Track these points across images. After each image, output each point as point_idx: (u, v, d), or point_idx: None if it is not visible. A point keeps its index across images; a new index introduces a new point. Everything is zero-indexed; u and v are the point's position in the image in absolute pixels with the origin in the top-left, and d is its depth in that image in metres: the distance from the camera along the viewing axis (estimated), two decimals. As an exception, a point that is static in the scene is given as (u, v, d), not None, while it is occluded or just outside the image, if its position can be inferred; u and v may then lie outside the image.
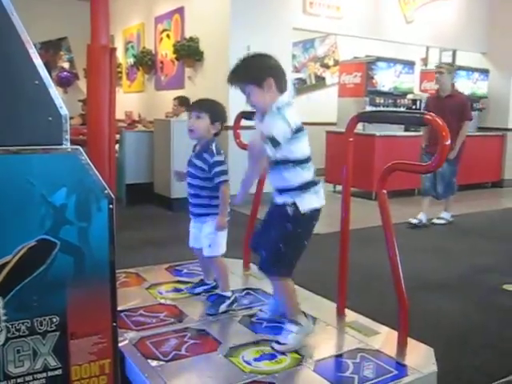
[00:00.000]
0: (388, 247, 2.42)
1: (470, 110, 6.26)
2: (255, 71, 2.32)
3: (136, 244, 4.72)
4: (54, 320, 1.73)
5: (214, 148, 2.84)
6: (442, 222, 6.26)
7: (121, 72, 10.36)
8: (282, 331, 2.43)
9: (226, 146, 6.72)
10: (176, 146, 6.65)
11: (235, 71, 2.35)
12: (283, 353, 2.30)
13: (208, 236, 2.80)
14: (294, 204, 2.31)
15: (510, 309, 3.59)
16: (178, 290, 3.07)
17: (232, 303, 2.80)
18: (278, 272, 2.39)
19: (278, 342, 2.36)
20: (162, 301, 2.90)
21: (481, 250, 5.14)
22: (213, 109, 2.88)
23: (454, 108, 5.77)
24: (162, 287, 3.11)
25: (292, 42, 7.85)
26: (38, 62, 1.69)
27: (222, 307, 2.75)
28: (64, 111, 1.74)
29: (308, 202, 2.33)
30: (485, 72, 9.65)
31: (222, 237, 2.81)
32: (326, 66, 11.03)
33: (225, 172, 2.77)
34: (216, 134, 2.88)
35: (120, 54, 10.09)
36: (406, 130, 8.25)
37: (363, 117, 2.74)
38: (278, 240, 2.34)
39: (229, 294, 2.82)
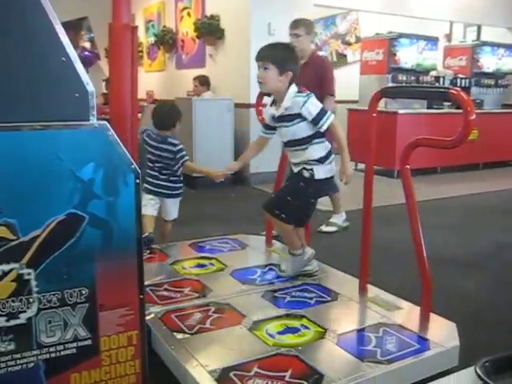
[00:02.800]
0: (411, 223, 2.43)
1: (332, 81, 4.43)
2: (284, 59, 2.78)
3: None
4: (84, 292, 1.77)
5: None
6: (334, 229, 4.62)
7: (142, 51, 10.36)
8: (304, 305, 2.49)
9: (248, 123, 6.74)
10: (198, 124, 6.68)
11: (269, 48, 2.80)
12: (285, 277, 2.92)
13: None
14: (312, 170, 2.79)
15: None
16: (201, 266, 3.12)
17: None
18: (278, 215, 2.83)
19: (280, 270, 2.98)
20: (187, 276, 2.95)
21: (505, 228, 5.10)
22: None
23: (311, 79, 4.07)
24: (185, 263, 3.16)
25: (313, 18, 7.77)
26: (64, 39, 1.71)
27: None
28: (91, 88, 1.76)
29: (323, 172, 2.82)
30: (511, 47, 9.45)
31: None
32: (348, 43, 10.92)
33: None
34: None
35: (141, 33, 10.09)
36: (429, 107, 8.15)
37: (386, 92, 2.73)
38: (287, 192, 2.91)
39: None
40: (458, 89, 2.21)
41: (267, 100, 3.00)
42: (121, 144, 1.78)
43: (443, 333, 2.39)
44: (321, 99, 3.73)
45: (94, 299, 1.79)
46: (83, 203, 1.72)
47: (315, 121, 2.72)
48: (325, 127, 2.74)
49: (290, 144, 2.84)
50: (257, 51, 2.83)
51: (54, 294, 1.72)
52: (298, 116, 2.73)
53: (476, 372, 0.80)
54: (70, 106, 1.73)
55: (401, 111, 7.58)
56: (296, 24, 4.34)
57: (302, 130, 2.75)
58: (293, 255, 2.97)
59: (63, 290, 1.73)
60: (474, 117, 2.11)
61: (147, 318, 2.31)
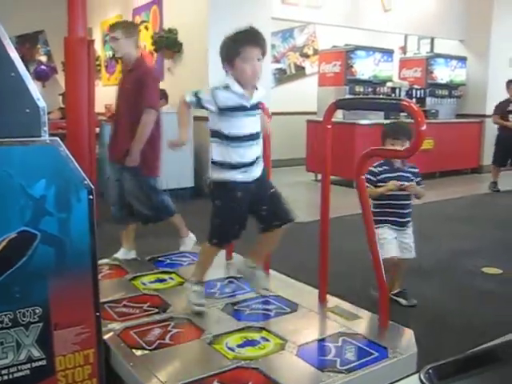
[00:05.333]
0: (367, 233, 2.46)
1: (152, 91, 3.77)
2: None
3: (118, 237, 4.71)
4: (37, 311, 1.74)
5: None
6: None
7: (99, 65, 10.27)
8: (264, 317, 2.49)
9: (207, 135, 6.73)
10: (157, 138, 6.63)
11: (260, 35, 2.66)
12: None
13: None
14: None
15: (488, 291, 3.66)
16: (160, 281, 3.09)
17: None
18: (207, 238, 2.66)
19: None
20: (146, 291, 2.92)
21: (460, 235, 5.22)
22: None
23: (132, 88, 3.70)
24: (145, 278, 3.13)
25: (271, 31, 7.84)
26: (13, 54, 1.69)
27: None
28: (41, 103, 1.74)
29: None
30: (463, 59, 9.73)
31: None
32: (306, 56, 11.05)
33: None
34: None
35: (98, 47, 10.00)
36: (386, 117, 8.31)
37: (341, 104, 2.77)
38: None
39: None
40: (409, 100, 2.26)
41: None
42: (73, 160, 1.76)
43: (401, 340, 2.42)
44: (140, 112, 3.58)
45: (48, 318, 1.76)
46: (35, 220, 1.70)
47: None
48: None
49: (254, 137, 2.57)
50: (250, 36, 2.61)
51: (5, 315, 1.69)
52: (258, 106, 2.62)
53: (420, 379, 0.82)
54: (21, 122, 1.71)
55: (359, 122, 7.71)
56: (113, 27, 3.87)
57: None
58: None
59: (15, 309, 1.70)
60: (424, 127, 2.15)
61: (106, 335, 2.29)
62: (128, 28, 3.83)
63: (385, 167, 3.22)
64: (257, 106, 2.58)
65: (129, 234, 3.89)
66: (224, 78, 2.56)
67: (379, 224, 3.12)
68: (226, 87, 2.50)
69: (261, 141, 2.66)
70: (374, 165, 3.24)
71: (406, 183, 3.17)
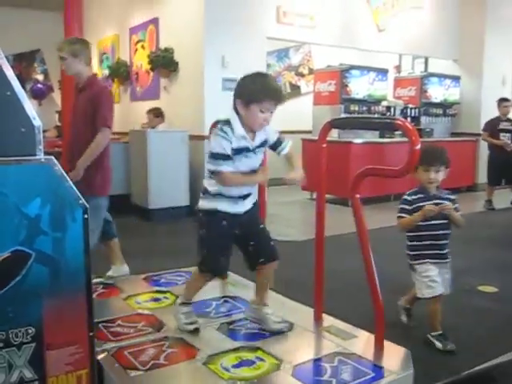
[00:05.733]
0: (363, 252, 2.46)
1: (107, 110, 3.69)
2: None
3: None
4: (30, 331, 1.72)
5: None
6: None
7: (96, 83, 10.31)
8: (259, 337, 2.48)
9: (203, 154, 6.74)
10: (153, 156, 6.66)
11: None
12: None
13: None
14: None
15: (485, 309, 3.65)
16: (155, 300, 3.07)
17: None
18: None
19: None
20: (140, 311, 2.90)
21: (455, 253, 5.20)
22: None
23: (85, 107, 3.68)
24: (139, 297, 3.11)
25: (266, 51, 7.91)
26: (9, 73, 1.70)
27: None
28: (37, 122, 1.75)
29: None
30: (456, 78, 9.82)
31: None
32: (301, 75, 11.13)
33: None
34: None
35: (95, 66, 10.05)
36: (381, 136, 8.35)
37: (336, 123, 2.79)
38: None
39: None
40: (403, 119, 2.27)
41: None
42: (68, 179, 1.75)
43: (397, 360, 2.41)
44: (96, 131, 3.56)
45: (41, 338, 1.74)
46: (30, 240, 1.69)
47: (276, 144, 2.66)
48: (286, 150, 2.70)
49: (254, 172, 2.57)
50: (261, 90, 2.44)
51: (-2, 335, 1.67)
52: (265, 143, 2.62)
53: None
54: (16, 141, 1.71)
55: (354, 141, 7.75)
56: (60, 46, 3.75)
57: None
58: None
59: (8, 329, 1.68)
60: (419, 146, 2.16)
61: (99, 355, 2.26)
62: (73, 47, 3.72)
63: (420, 195, 3.05)
64: (262, 145, 2.58)
65: (112, 250, 3.92)
66: (229, 114, 2.49)
67: (419, 260, 3.05)
68: (231, 128, 2.45)
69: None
70: (408, 193, 3.09)
71: (447, 203, 3.00)
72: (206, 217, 2.59)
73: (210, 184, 2.56)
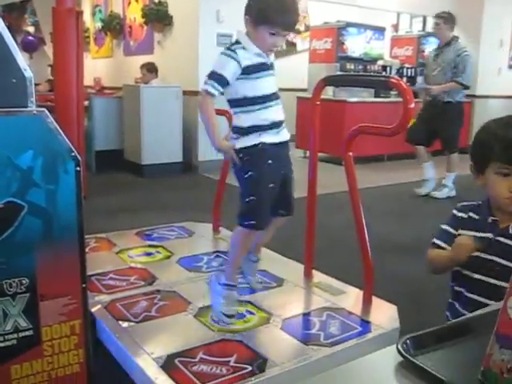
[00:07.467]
0: (354, 210, 2.48)
1: None
2: None
3: (107, 210, 4.71)
4: (24, 282, 1.74)
5: None
6: None
7: (88, 37, 10.14)
8: (249, 291, 2.52)
9: (196, 110, 6.70)
10: (146, 112, 6.62)
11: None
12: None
13: None
14: None
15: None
16: (148, 254, 3.10)
17: None
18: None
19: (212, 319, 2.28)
20: (133, 264, 2.93)
21: (444, 214, 5.25)
22: None
23: None
24: (132, 251, 3.13)
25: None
26: (-1, 22, 1.67)
27: None
28: (28, 73, 1.73)
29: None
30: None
31: None
32: (297, 32, 10.97)
33: None
34: None
35: (87, 19, 9.87)
36: (376, 95, 8.31)
37: (330, 81, 2.77)
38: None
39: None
40: (398, 78, 2.26)
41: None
42: (61, 132, 1.75)
43: (384, 315, 2.45)
44: None
45: (35, 289, 1.77)
46: (22, 191, 1.69)
47: None
48: None
49: (278, 96, 2.33)
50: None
51: (-8, 285, 1.69)
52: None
53: (397, 349, 0.84)
54: (7, 92, 1.70)
55: (348, 99, 7.71)
56: None
57: None
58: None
59: (2, 280, 1.70)
60: (413, 105, 2.15)
61: (92, 307, 2.30)
62: None
63: (473, 214, 1.90)
64: (273, 65, 2.32)
65: None
66: (237, 35, 2.24)
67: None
68: (243, 47, 2.19)
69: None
70: (463, 204, 2.00)
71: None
72: (250, 156, 2.23)
73: (241, 120, 2.25)
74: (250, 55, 2.19)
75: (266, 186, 2.25)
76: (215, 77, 2.16)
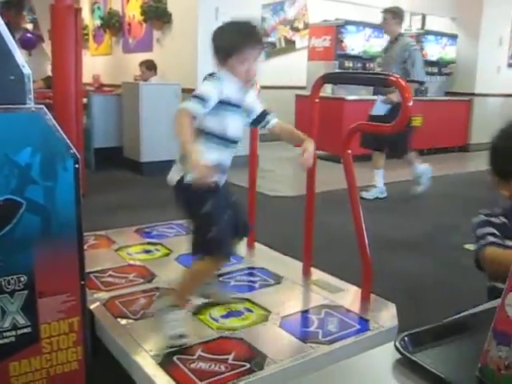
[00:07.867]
0: (352, 207, 2.48)
1: None
2: None
3: (107, 208, 4.71)
4: (22, 279, 1.74)
5: None
6: None
7: (87, 34, 10.12)
8: (248, 289, 2.52)
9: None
10: (145, 109, 6.61)
11: None
12: None
13: None
14: None
15: (470, 265, 3.71)
16: (147, 252, 3.10)
17: None
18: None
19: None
20: (132, 262, 2.93)
21: (444, 211, 5.27)
22: None
23: None
24: (131, 249, 3.14)
25: (262, 3, 7.76)
26: (-3, 19, 1.67)
27: None
28: (27, 70, 1.72)
29: None
30: (453, 37, 9.71)
31: None
32: (296, 30, 10.96)
33: None
34: None
35: (86, 16, 9.84)
36: (375, 93, 8.29)
37: (329, 78, 2.76)
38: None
39: None
40: (397, 75, 2.26)
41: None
42: (59, 129, 1.75)
43: (383, 313, 2.46)
44: None
45: (33, 286, 1.77)
46: (20, 188, 1.69)
47: (261, 116, 2.36)
48: (275, 120, 2.40)
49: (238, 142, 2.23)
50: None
51: (-10, 282, 1.69)
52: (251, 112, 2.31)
53: (395, 346, 0.84)
54: (5, 89, 1.69)
55: (347, 97, 7.70)
56: None
57: None
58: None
59: (0, 277, 1.70)
60: (411, 103, 2.16)
61: (91, 304, 2.30)
62: None
63: (504, 219, 1.79)
64: (249, 111, 2.26)
65: None
66: (217, 72, 2.14)
67: None
68: (227, 79, 2.09)
69: None
70: (487, 213, 1.83)
71: None
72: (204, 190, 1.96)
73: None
74: (231, 87, 2.09)
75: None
76: (196, 96, 2.00)
